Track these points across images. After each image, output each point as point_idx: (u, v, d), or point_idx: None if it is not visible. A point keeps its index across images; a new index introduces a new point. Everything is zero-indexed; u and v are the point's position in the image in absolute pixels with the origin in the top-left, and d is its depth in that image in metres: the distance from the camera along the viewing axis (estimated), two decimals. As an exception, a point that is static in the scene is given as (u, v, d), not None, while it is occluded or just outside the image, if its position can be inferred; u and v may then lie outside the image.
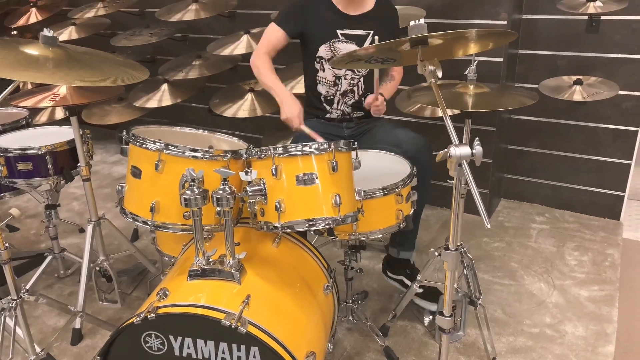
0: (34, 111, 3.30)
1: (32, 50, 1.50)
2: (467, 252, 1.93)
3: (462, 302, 1.99)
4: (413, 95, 1.91)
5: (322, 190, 1.38)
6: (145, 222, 1.48)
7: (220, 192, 1.32)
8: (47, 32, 1.52)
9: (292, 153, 1.36)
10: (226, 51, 3.15)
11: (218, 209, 1.34)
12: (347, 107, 2.19)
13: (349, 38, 2.09)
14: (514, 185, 3.11)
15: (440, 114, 2.43)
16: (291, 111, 1.98)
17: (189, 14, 3.25)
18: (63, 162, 2.17)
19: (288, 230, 1.40)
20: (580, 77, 2.43)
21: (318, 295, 1.61)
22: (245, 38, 3.16)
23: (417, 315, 2.15)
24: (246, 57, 3.28)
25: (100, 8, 3.65)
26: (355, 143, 1.50)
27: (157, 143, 1.44)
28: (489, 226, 1.18)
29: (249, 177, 1.37)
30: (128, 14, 3.94)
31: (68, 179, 2.19)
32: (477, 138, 1.19)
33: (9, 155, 2.10)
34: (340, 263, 1.95)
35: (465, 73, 1.70)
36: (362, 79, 2.15)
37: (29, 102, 1.97)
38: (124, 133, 1.53)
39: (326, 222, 1.39)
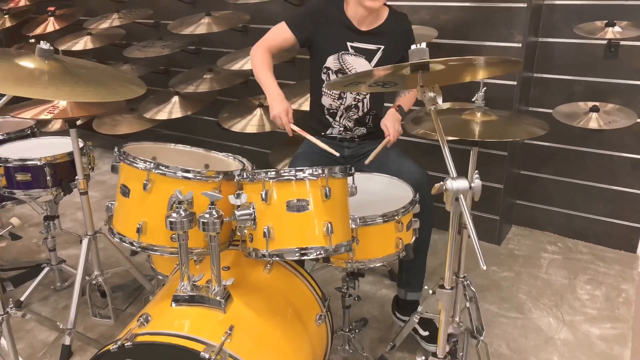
0: (45, 120, 3.31)
1: (27, 62, 1.47)
2: (470, 284, 1.84)
3: (464, 337, 1.90)
4: (421, 119, 1.84)
5: (314, 218, 1.31)
6: (131, 243, 1.43)
7: (207, 216, 1.27)
8: (43, 45, 1.50)
9: (284, 178, 1.31)
10: (236, 66, 3.12)
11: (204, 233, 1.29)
12: (350, 122, 2.14)
13: (359, 52, 2.05)
14: (525, 211, 3.01)
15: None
16: (278, 108, 1.94)
17: (200, 28, 3.24)
18: (62, 173, 2.15)
19: (277, 258, 1.34)
20: (597, 103, 2.34)
21: (309, 326, 1.54)
22: (255, 53, 3.13)
23: (418, 347, 2.06)
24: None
25: (116, 19, 3.68)
26: (352, 168, 1.43)
27: (147, 162, 1.40)
28: (484, 267, 1.11)
29: (238, 201, 1.31)
30: (143, 25, 3.96)
31: (66, 191, 2.16)
32: (477, 171, 1.12)
33: (8, 165, 2.08)
34: (338, 290, 1.88)
35: (472, 100, 1.63)
36: (368, 95, 2.09)
37: (29, 114, 1.95)
38: (116, 150, 1.49)
39: (318, 252, 1.33)
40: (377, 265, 1.68)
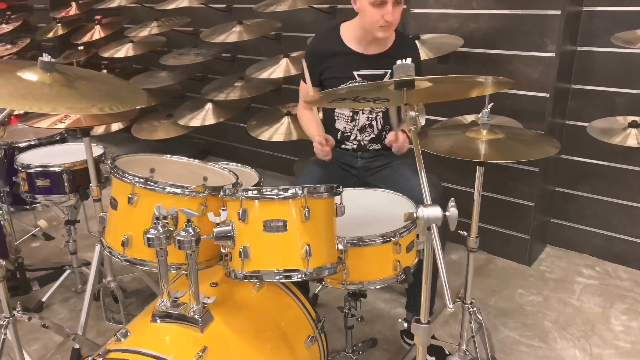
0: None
1: (30, 75, 1.51)
2: (478, 311, 1.73)
3: (471, 367, 1.79)
4: (429, 136, 1.74)
5: (291, 240, 1.26)
6: (117, 256, 1.43)
7: (183, 233, 1.25)
8: (45, 58, 1.53)
9: (261, 196, 1.26)
10: (265, 74, 3.13)
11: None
12: (365, 141, 2.08)
13: (366, 78, 1.98)
14: (561, 231, 2.81)
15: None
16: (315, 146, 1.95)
17: (232, 36, 3.26)
18: (80, 180, 2.20)
19: (255, 280, 1.29)
20: (637, 118, 2.15)
21: (297, 349, 1.48)
22: (284, 62, 3.12)
23: (425, 372, 1.96)
24: (287, 79, 3.27)
25: (155, 27, 3.77)
26: (340, 187, 1.37)
27: (134, 176, 1.40)
28: (450, 307, 1.00)
29: (217, 219, 1.29)
30: (182, 33, 4.05)
31: (83, 197, 2.22)
32: (453, 199, 1.03)
33: (29, 171, 2.16)
34: (339, 309, 1.82)
35: (479, 115, 1.52)
36: (380, 113, 2.02)
37: (45, 123, 2.02)
38: (109, 162, 1.50)
39: (298, 275, 1.28)
40: (377, 287, 1.60)
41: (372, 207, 1.76)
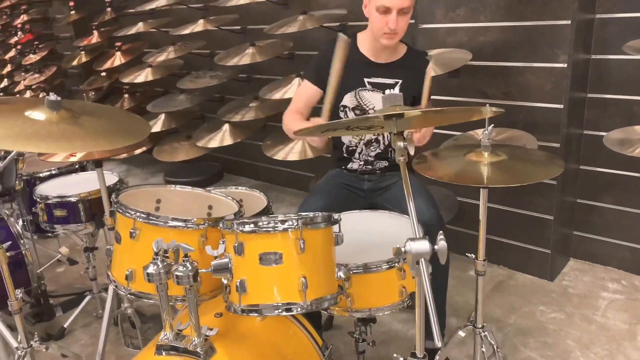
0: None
1: (37, 114, 1.56)
2: (490, 335, 1.68)
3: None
4: (431, 160, 1.69)
5: (288, 272, 1.26)
6: (123, 290, 1.45)
7: (181, 268, 1.26)
8: (51, 97, 1.57)
9: (256, 230, 1.27)
10: (277, 95, 3.16)
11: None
12: (370, 157, 2.06)
13: (376, 86, 1.97)
14: (584, 244, 2.72)
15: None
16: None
17: (245, 58, 3.31)
18: (97, 209, 2.26)
19: (254, 314, 1.29)
20: (656, 128, 2.07)
21: (302, 378, 1.47)
22: (297, 81, 3.14)
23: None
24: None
25: (172, 51, 3.86)
26: (339, 216, 1.36)
27: (136, 212, 1.42)
28: (439, 344, 0.98)
29: (214, 252, 1.30)
30: (199, 56, 4.12)
31: (99, 226, 2.28)
32: (442, 232, 1.01)
33: (47, 202, 2.23)
34: (350, 334, 1.80)
35: (479, 139, 1.49)
36: None
37: (59, 157, 2.08)
38: (113, 197, 1.53)
39: (296, 308, 1.27)
40: (385, 313, 1.58)
41: (377, 230, 1.75)
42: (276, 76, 3.61)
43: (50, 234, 2.55)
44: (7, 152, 2.19)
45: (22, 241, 2.30)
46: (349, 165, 2.10)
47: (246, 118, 3.45)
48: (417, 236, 1.03)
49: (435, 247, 1.02)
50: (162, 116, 4.07)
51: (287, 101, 3.36)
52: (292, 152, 3.26)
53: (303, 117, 2.00)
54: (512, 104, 2.48)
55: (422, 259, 1.02)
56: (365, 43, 1.98)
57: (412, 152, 1.11)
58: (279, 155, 3.23)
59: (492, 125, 1.46)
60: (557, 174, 1.41)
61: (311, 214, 1.33)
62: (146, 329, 2.40)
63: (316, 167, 3.60)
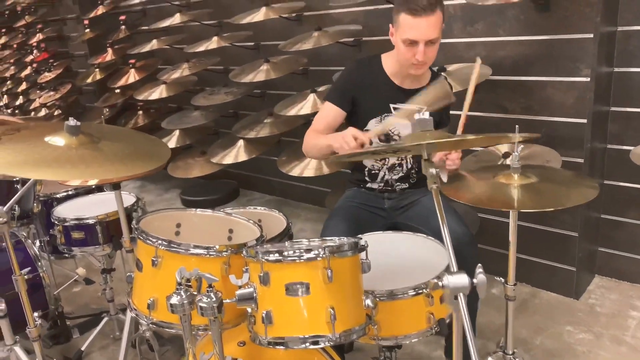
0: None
1: (57, 139, 1.54)
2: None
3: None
4: (458, 182, 1.64)
5: (315, 303, 1.22)
6: (144, 319, 1.42)
7: (205, 299, 1.23)
8: (71, 122, 1.56)
9: (282, 259, 1.23)
10: (292, 111, 3.13)
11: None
12: (392, 179, 2.02)
13: None
14: (610, 260, 2.66)
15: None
16: (340, 136, 1.70)
17: (260, 75, 3.29)
18: (114, 230, 2.24)
19: (280, 347, 1.25)
20: (685, 142, 2.01)
21: (328, 408, 1.43)
22: (312, 97, 3.12)
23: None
24: (316, 114, 3.26)
25: (186, 68, 3.86)
26: (365, 243, 1.32)
27: (157, 239, 1.39)
28: None
29: (238, 282, 1.26)
30: (212, 72, 4.12)
31: (117, 247, 2.26)
32: (480, 265, 0.97)
33: (65, 224, 2.21)
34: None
35: (507, 161, 1.44)
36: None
37: (77, 181, 2.07)
38: (134, 223, 1.51)
39: (324, 341, 1.23)
40: (413, 341, 1.53)
41: (402, 252, 1.71)
42: (290, 92, 3.59)
43: (67, 255, 2.53)
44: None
45: (39, 263, 2.29)
46: (368, 185, 2.06)
47: (261, 134, 3.42)
48: (454, 269, 0.99)
49: (474, 280, 0.98)
50: (177, 132, 4.07)
51: (302, 117, 3.39)
52: (307, 168, 3.22)
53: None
54: (533, 118, 2.43)
55: (461, 294, 0.98)
56: (390, 66, 1.93)
57: (445, 180, 1.07)
58: (295, 172, 3.20)
59: (522, 146, 1.42)
60: (591, 197, 1.36)
61: (337, 241, 1.30)
62: (164, 352, 2.37)
63: (332, 183, 3.57)
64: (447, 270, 1.00)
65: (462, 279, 0.97)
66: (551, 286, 2.62)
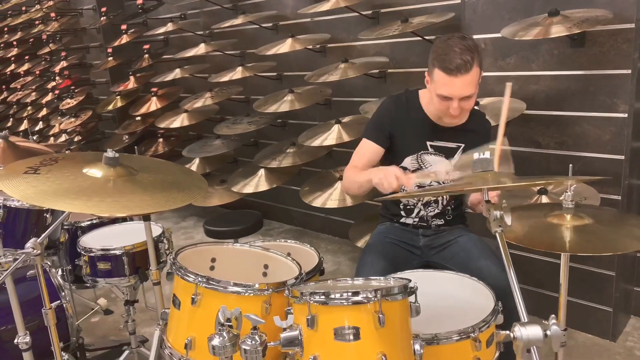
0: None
1: (94, 171, 1.52)
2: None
3: None
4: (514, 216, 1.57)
5: (365, 349, 1.16)
6: (180, 359, 1.37)
7: (249, 342, 1.17)
8: (109, 154, 1.54)
9: (330, 302, 1.18)
10: (316, 142, 3.11)
11: (247, 360, 1.19)
12: (428, 216, 1.97)
13: (439, 150, 1.90)
14: (647, 301, 2.57)
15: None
16: (382, 173, 1.64)
17: (284, 106, 3.29)
18: (140, 262, 2.20)
19: (326, 393, 1.19)
20: None
21: None
22: (336, 128, 3.10)
23: None
24: (340, 144, 3.24)
25: (208, 97, 3.87)
26: (415, 285, 1.27)
27: (197, 276, 1.35)
28: None
29: (283, 324, 1.21)
30: (235, 101, 4.14)
31: (142, 279, 2.21)
32: (553, 316, 0.92)
33: (91, 255, 2.18)
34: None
35: (560, 198, 1.40)
36: None
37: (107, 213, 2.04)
38: (171, 257, 1.47)
39: (372, 387, 1.17)
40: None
41: (443, 293, 1.64)
42: (312, 122, 3.59)
43: (88, 285, 2.49)
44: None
45: (62, 293, 2.25)
46: (402, 220, 2.01)
47: (283, 164, 3.40)
48: (525, 320, 0.94)
49: (548, 332, 0.93)
50: (197, 160, 4.06)
51: (325, 148, 3.36)
52: (330, 199, 3.18)
53: None
54: (568, 154, 2.39)
55: (533, 347, 0.92)
56: (428, 103, 1.89)
57: (509, 222, 1.03)
58: (317, 202, 3.16)
59: (575, 185, 1.37)
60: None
61: (385, 282, 1.24)
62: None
63: (353, 214, 3.52)
64: (519, 321, 0.95)
65: (535, 331, 0.92)
66: (586, 327, 2.52)
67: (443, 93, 1.69)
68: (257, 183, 3.63)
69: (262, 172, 3.64)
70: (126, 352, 2.44)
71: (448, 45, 1.66)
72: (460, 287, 1.66)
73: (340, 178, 3.14)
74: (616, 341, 2.46)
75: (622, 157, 2.24)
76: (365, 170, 1.84)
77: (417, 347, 1.28)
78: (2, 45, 6.07)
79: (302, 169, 3.77)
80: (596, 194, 2.15)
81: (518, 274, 2.55)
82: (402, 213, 1.99)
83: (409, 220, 2.00)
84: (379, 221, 2.13)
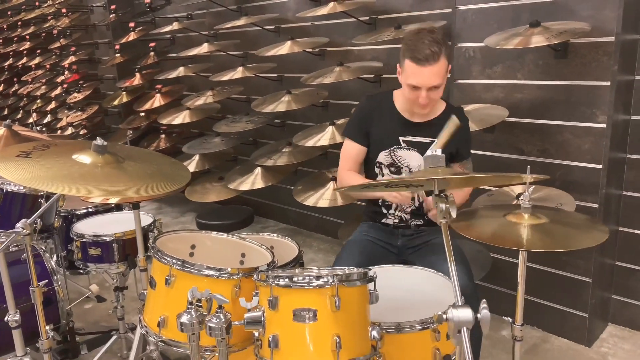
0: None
1: (84, 157, 1.61)
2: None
3: None
4: (469, 219, 1.65)
5: (321, 330, 1.24)
6: (153, 337, 1.45)
7: (214, 320, 1.25)
8: (98, 142, 1.63)
9: (291, 284, 1.26)
10: (311, 142, 3.19)
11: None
12: (406, 214, 2.05)
13: (412, 145, 1.98)
14: (624, 309, 2.61)
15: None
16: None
17: (281, 105, 3.38)
18: (130, 249, 2.29)
19: (283, 372, 1.27)
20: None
21: None
22: (330, 129, 3.18)
23: None
24: (334, 145, 3.32)
25: (210, 96, 3.97)
26: (375, 273, 1.35)
27: (172, 259, 1.43)
28: None
29: (247, 305, 1.29)
30: (235, 100, 4.23)
31: (131, 266, 2.30)
32: (485, 300, 0.99)
33: (83, 240, 2.27)
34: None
35: (514, 195, 1.46)
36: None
37: (98, 198, 2.13)
38: (150, 242, 1.55)
39: (327, 368, 1.24)
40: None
41: (412, 287, 1.72)
42: (309, 123, 3.67)
43: (81, 271, 2.58)
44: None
45: (55, 277, 2.34)
46: (382, 220, 2.09)
47: (279, 163, 3.48)
48: (459, 303, 1.01)
49: (478, 315, 1.00)
50: (197, 157, 4.16)
51: (319, 148, 3.44)
52: (322, 198, 3.25)
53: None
54: (549, 161, 2.45)
55: (464, 328, 0.99)
56: (401, 101, 2.00)
57: (454, 215, 1.10)
58: (310, 201, 3.23)
59: (533, 187, 1.44)
60: (601, 241, 1.37)
61: (347, 270, 1.32)
62: (169, 374, 2.38)
63: (345, 214, 3.60)
64: (453, 304, 1.02)
65: (466, 313, 0.99)
66: (562, 332, 2.58)
67: (412, 82, 1.79)
68: (253, 181, 3.71)
69: (258, 170, 3.72)
70: (114, 337, 2.53)
71: (418, 37, 1.77)
72: (428, 283, 1.73)
73: (333, 179, 3.21)
74: (591, 347, 2.51)
75: (600, 167, 2.30)
76: (355, 170, 2.01)
77: (374, 333, 1.36)
78: (15, 38, 6.24)
79: (299, 169, 3.85)
80: (572, 201, 2.21)
81: (500, 277, 2.61)
82: (383, 210, 2.06)
83: (389, 221, 2.07)
84: (362, 219, 2.21)
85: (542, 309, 2.61)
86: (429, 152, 1.16)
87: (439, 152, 1.15)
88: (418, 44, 1.75)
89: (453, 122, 1.52)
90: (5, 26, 6.42)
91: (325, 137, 3.17)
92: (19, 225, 1.62)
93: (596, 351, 2.48)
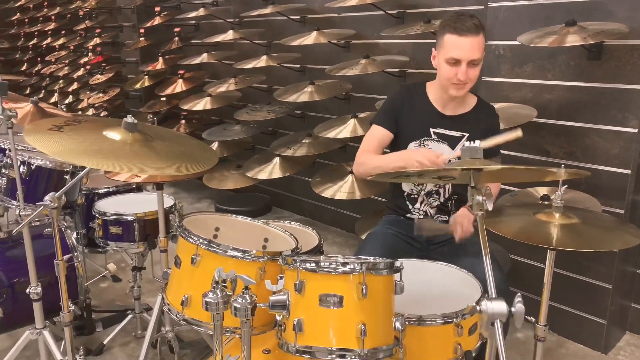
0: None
1: (114, 134, 1.62)
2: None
3: None
4: (497, 215, 1.64)
5: (347, 317, 1.24)
6: (176, 315, 1.46)
7: (240, 300, 1.25)
8: (129, 119, 1.64)
9: (319, 269, 1.25)
10: (331, 134, 3.18)
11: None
12: (431, 209, 2.03)
13: (442, 138, 1.96)
14: (643, 318, 2.58)
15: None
16: (419, 153, 1.80)
17: (303, 96, 3.37)
18: (150, 229, 2.30)
19: (307, 356, 1.26)
20: None
21: None
22: (352, 122, 3.17)
23: None
24: (354, 139, 3.31)
25: (232, 84, 3.97)
26: (401, 264, 1.34)
27: (199, 238, 1.44)
28: None
29: (273, 287, 1.29)
30: (257, 90, 4.23)
31: (151, 246, 2.31)
32: (519, 294, 0.97)
33: (105, 218, 2.29)
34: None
35: (552, 195, 1.45)
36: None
37: (123, 176, 2.15)
38: (177, 221, 1.55)
39: (351, 356, 1.23)
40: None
41: (434, 282, 1.71)
42: (330, 115, 3.66)
43: (100, 250, 2.61)
44: (76, 167, 2.29)
45: (75, 254, 2.36)
46: (407, 215, 2.07)
47: (298, 153, 3.48)
48: (493, 296, 1.00)
49: (513, 309, 0.99)
50: (216, 144, 4.17)
51: (339, 140, 3.43)
52: (340, 190, 3.25)
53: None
54: (576, 164, 2.42)
55: (498, 320, 0.98)
56: (434, 93, 1.99)
57: (490, 208, 1.09)
58: (327, 193, 3.22)
59: (566, 186, 1.42)
60: (632, 245, 1.35)
61: (372, 259, 1.31)
62: (183, 355, 2.39)
63: (362, 208, 3.58)
64: (487, 296, 1.01)
65: (500, 306, 0.98)
66: (579, 337, 2.55)
67: (453, 55, 1.81)
68: (271, 170, 3.72)
69: (277, 160, 3.72)
70: (129, 316, 2.55)
71: (458, 15, 1.84)
72: (452, 278, 1.72)
73: (352, 172, 3.20)
74: (607, 354, 2.48)
75: (629, 172, 2.26)
76: (378, 153, 1.97)
77: (397, 324, 1.35)
78: (41, 18, 6.29)
79: (316, 161, 3.84)
80: (598, 206, 2.18)
81: (520, 279, 2.58)
82: (408, 205, 2.04)
83: (414, 216, 2.06)
84: (385, 212, 2.19)
85: (559, 313, 2.59)
86: (465, 144, 1.14)
87: (477, 143, 1.13)
88: (460, 18, 1.81)
89: (516, 133, 1.52)
90: (31, 5, 6.48)
91: (347, 129, 3.16)
92: (47, 197, 1.63)
93: (612, 359, 2.45)
